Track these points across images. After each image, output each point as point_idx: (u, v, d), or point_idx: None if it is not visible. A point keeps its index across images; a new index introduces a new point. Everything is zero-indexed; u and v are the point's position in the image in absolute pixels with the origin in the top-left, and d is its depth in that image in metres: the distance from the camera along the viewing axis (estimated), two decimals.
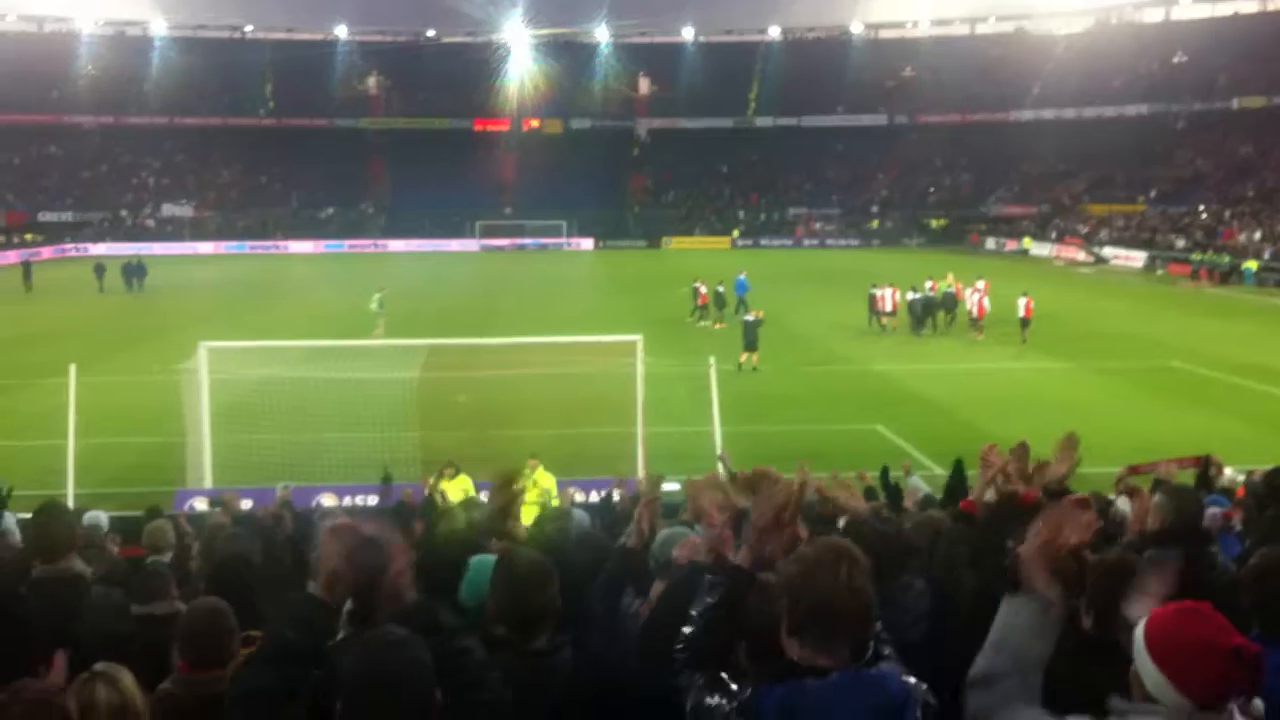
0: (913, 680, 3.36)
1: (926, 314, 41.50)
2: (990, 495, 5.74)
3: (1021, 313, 38.20)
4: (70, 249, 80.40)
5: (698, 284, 44.48)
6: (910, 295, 41.68)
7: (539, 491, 16.43)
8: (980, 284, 41.51)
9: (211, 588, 5.91)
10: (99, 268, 59.74)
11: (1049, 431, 22.64)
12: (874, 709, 3.26)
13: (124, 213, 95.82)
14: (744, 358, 32.96)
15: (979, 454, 6.01)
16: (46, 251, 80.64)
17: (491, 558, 5.35)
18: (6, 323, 44.94)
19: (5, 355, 36.10)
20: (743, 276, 44.76)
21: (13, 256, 74.51)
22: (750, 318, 34.35)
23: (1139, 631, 3.37)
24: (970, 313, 40.37)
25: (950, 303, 42.18)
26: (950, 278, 44.17)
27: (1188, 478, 12.88)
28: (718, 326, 41.54)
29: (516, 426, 23.91)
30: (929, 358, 35.84)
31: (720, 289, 43.66)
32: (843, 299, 43.00)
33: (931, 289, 43.04)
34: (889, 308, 41.52)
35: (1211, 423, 25.48)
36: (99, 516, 12.03)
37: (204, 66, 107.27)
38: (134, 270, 59.24)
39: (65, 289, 58.47)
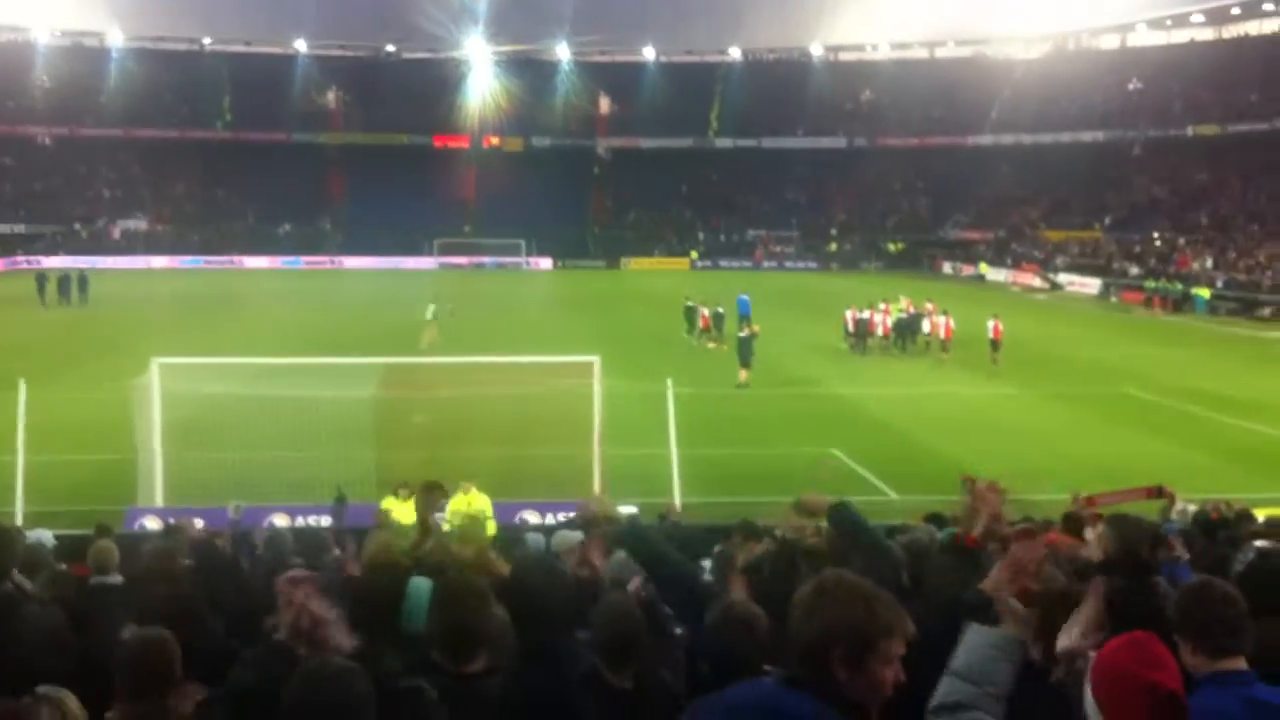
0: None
1: (904, 335, 42.52)
2: (978, 530, 5.82)
3: (990, 334, 38.77)
4: (21, 261, 79.47)
5: (691, 303, 45.21)
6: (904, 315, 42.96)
7: (471, 515, 16.17)
8: (929, 307, 42.75)
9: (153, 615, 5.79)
10: (40, 279, 59.41)
11: (1005, 456, 22.92)
12: None
13: (78, 225, 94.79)
14: (742, 375, 33.98)
15: (967, 485, 6.16)
16: (8, 263, 79.75)
17: (426, 582, 5.31)
18: None
19: None
20: (745, 296, 45.51)
21: None
22: (744, 333, 35.16)
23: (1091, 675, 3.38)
24: (937, 335, 41.07)
25: (915, 324, 42.82)
26: (904, 301, 44.64)
27: (1148, 508, 12.99)
28: (722, 347, 41.59)
29: (473, 446, 23.75)
30: (887, 381, 35.97)
31: (720, 310, 44.11)
32: (803, 321, 43.26)
33: (885, 312, 43.66)
34: (880, 330, 42.65)
35: (1165, 450, 25.76)
36: (43, 535, 11.84)
37: (161, 78, 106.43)
38: (69, 283, 59.02)
39: (8, 301, 57.67)
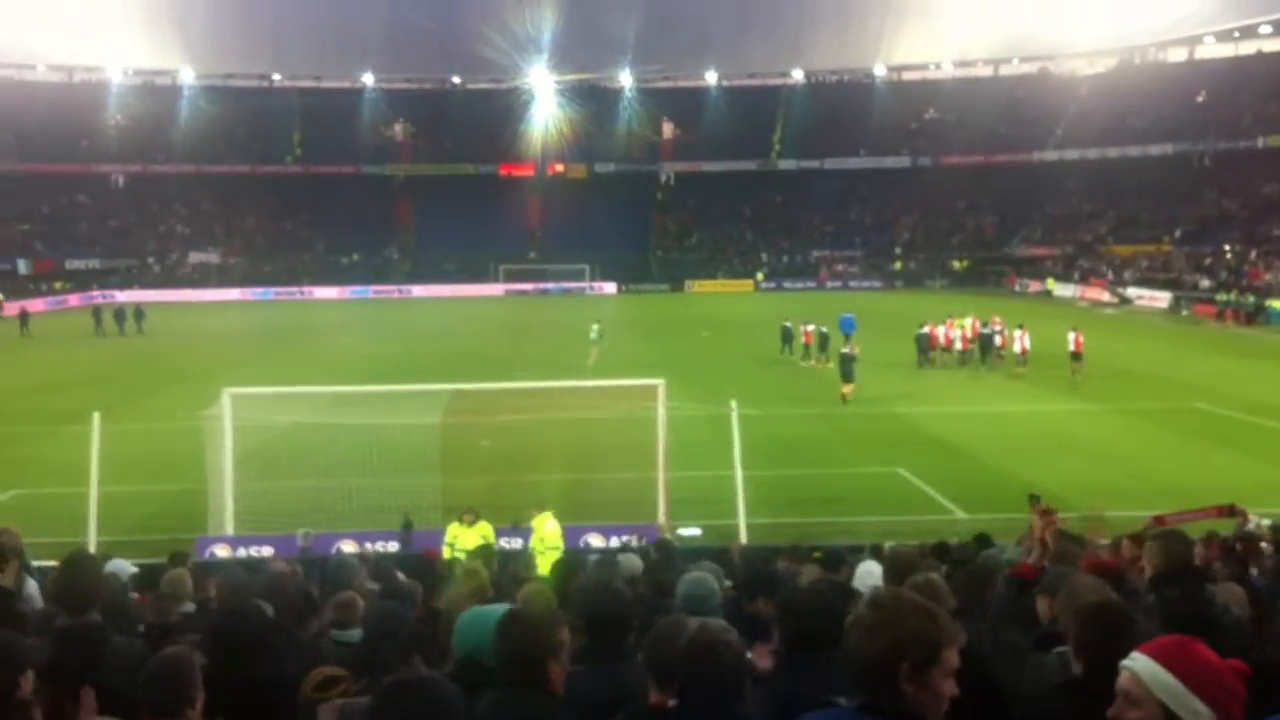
0: None
1: (986, 349, 42.79)
2: (1034, 559, 5.90)
3: (1071, 346, 38.90)
4: (97, 295, 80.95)
5: (788, 323, 45.96)
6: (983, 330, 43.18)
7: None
8: (996, 322, 43.29)
9: (215, 638, 5.91)
10: (96, 312, 61.90)
11: (1075, 475, 22.70)
12: None
13: (151, 260, 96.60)
14: (844, 389, 34.64)
15: (1033, 504, 6.25)
16: (74, 299, 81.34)
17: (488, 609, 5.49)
18: (30, 369, 45.38)
19: (26, 402, 36.41)
20: (849, 315, 46.55)
21: (40, 304, 75.29)
22: (847, 351, 35.76)
23: (1147, 665, 3.38)
24: (1011, 349, 41.38)
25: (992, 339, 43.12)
26: (970, 318, 44.51)
27: (1223, 527, 12.84)
28: (828, 365, 41.90)
29: (538, 472, 23.91)
30: (955, 399, 35.64)
31: (824, 330, 44.68)
32: (870, 339, 43.00)
33: (949, 326, 44.15)
34: (960, 345, 43.21)
35: (1238, 465, 25.32)
36: (121, 566, 12.06)
37: (232, 115, 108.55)
38: (124, 315, 60.63)
39: (78, 335, 59.16)
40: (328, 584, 10.15)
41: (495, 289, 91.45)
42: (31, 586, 7.90)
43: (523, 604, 6.63)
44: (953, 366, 42.78)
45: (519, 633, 4.66)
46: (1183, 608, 6.24)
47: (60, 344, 55.67)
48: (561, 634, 4.71)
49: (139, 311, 61.48)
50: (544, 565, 13.80)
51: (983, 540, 13.09)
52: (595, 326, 44.96)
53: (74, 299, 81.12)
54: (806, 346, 44.73)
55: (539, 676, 4.54)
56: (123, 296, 78.97)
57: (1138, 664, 3.40)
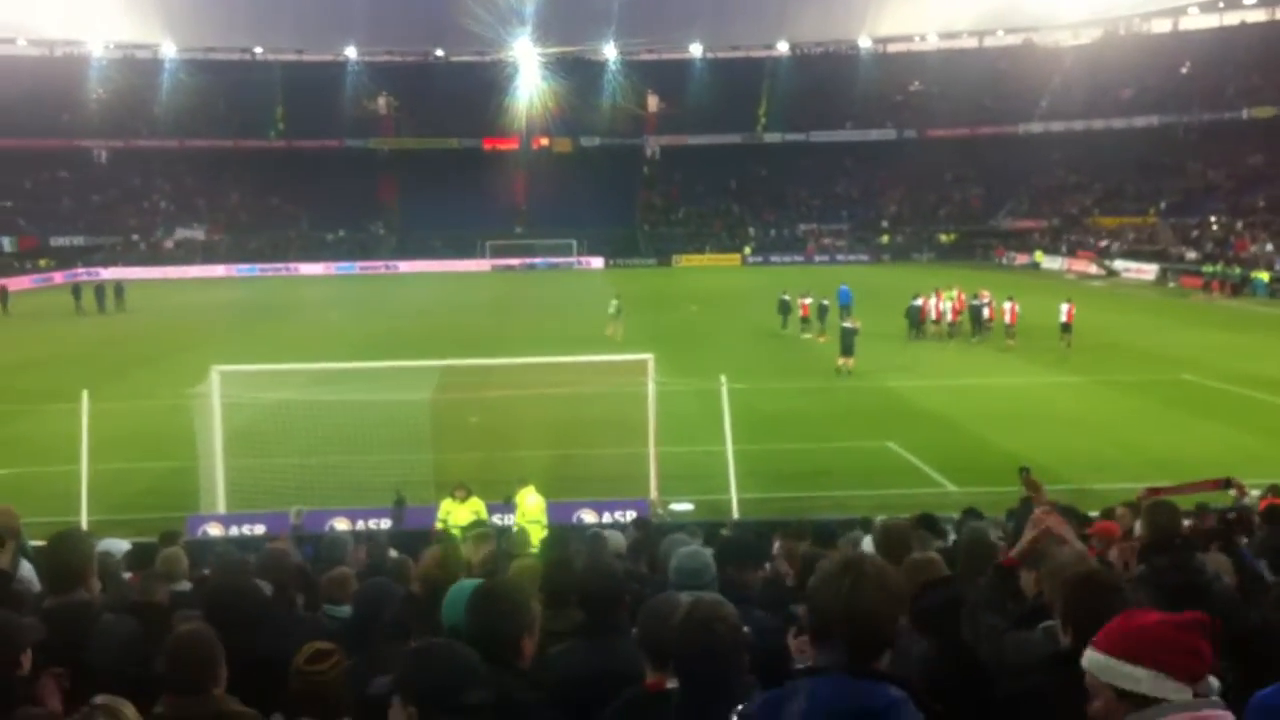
0: (900, 694, 3.34)
1: (976, 321, 43.21)
2: (1017, 551, 5.95)
3: (1064, 318, 39.49)
4: (82, 273, 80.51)
5: (786, 295, 46.33)
6: (972, 303, 43.71)
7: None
8: (984, 294, 43.79)
9: (209, 615, 5.91)
10: (75, 290, 61.91)
11: (1063, 447, 22.78)
12: (856, 712, 3.26)
13: (135, 236, 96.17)
14: (840, 362, 34.89)
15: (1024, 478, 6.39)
16: (58, 276, 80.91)
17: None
18: (12, 348, 45.16)
19: (9, 380, 36.26)
20: (845, 287, 46.56)
21: (25, 282, 74.91)
22: (849, 325, 35.77)
23: (1088, 654, 3.42)
24: (1001, 320, 41.72)
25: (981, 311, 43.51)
26: (956, 290, 44.74)
27: (1219, 500, 12.90)
28: (821, 339, 42.43)
29: (528, 447, 23.90)
30: (944, 372, 35.72)
31: (825, 302, 44.95)
32: (860, 314, 43.11)
33: (938, 297, 44.64)
34: (950, 317, 43.76)
35: (1225, 436, 25.43)
36: (115, 544, 12.01)
37: (214, 89, 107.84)
38: (104, 292, 60.53)
39: (60, 313, 58.92)
40: (320, 561, 10.17)
41: (482, 265, 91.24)
42: (26, 569, 7.86)
43: (507, 579, 6.62)
44: (943, 339, 42.96)
45: (492, 609, 4.64)
46: (1172, 576, 6.31)
47: (41, 322, 55.39)
48: (534, 609, 4.70)
49: (119, 288, 61.46)
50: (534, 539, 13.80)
51: (971, 513, 13.12)
52: (614, 302, 45.68)
53: (59, 276, 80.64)
54: (804, 319, 44.93)
55: (511, 653, 4.52)
56: (107, 274, 78.58)
57: (1085, 657, 3.44)
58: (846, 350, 34.99)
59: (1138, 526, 9.68)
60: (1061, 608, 4.61)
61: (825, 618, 3.41)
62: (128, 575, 9.83)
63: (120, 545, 11.81)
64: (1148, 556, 6.91)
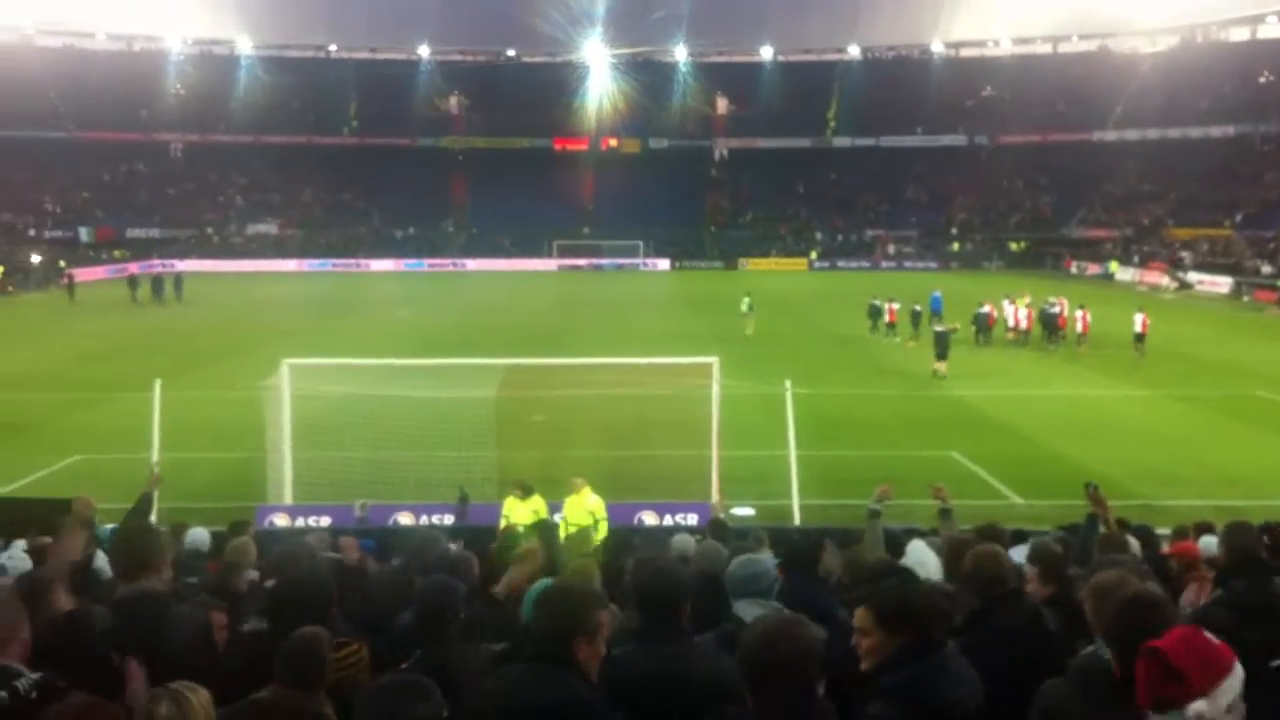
0: None
1: (1049, 329, 43.05)
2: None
3: (1138, 328, 39.52)
4: (157, 264, 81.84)
5: (876, 301, 46.62)
6: (1043, 308, 43.67)
7: (585, 513, 16.33)
8: (1058, 302, 43.82)
9: (277, 609, 6.01)
10: (132, 280, 63.37)
11: (1133, 461, 22.41)
12: None
13: (209, 230, 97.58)
14: (936, 365, 35.15)
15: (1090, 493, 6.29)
16: (133, 267, 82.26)
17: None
18: (82, 337, 46.02)
19: (84, 369, 36.99)
20: (938, 294, 46.90)
21: (100, 272, 76.21)
22: (941, 329, 36.03)
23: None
24: (1074, 329, 41.79)
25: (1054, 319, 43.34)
26: (1026, 297, 44.51)
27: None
28: (911, 344, 42.43)
29: (591, 447, 23.97)
30: (1011, 382, 35.31)
31: (917, 308, 44.92)
32: (926, 320, 43.00)
33: (1013, 304, 44.66)
34: (1025, 324, 43.60)
35: None
36: (201, 536, 12.20)
37: (289, 86, 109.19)
38: (161, 283, 62.25)
39: (117, 303, 60.11)
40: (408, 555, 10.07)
41: (549, 264, 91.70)
42: (101, 559, 8.03)
43: (567, 579, 6.65)
44: (1016, 345, 42.81)
45: (554, 608, 4.68)
46: (1248, 597, 6.21)
47: (106, 312, 56.46)
48: (599, 616, 4.69)
49: (178, 280, 63.08)
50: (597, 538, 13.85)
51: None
52: (745, 299, 47.85)
53: (133, 267, 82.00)
54: (891, 325, 45.22)
55: (568, 653, 4.53)
56: (181, 266, 79.92)
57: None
58: (941, 354, 35.24)
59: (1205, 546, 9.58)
60: (1108, 629, 4.53)
61: None
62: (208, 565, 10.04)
63: (204, 535, 12.03)
64: (1225, 579, 6.81)
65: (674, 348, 33.99)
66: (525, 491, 16.69)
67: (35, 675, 4.62)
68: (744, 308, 47.48)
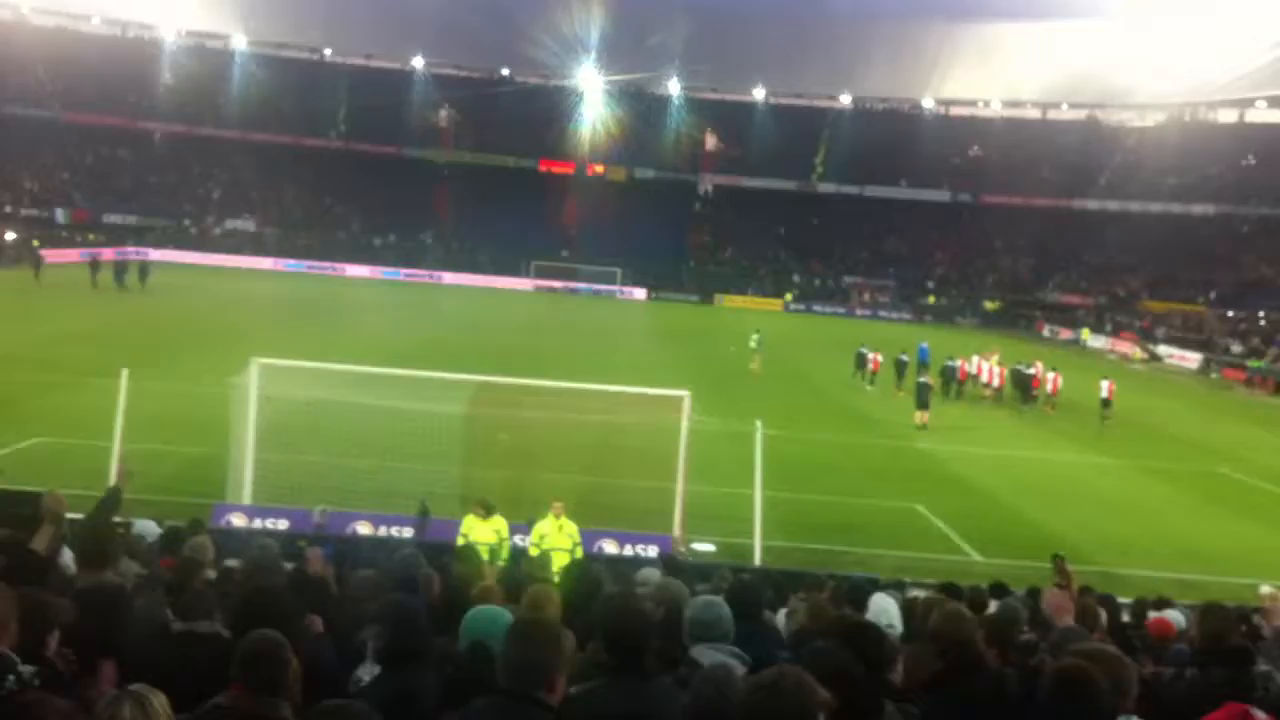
0: None
1: (1020, 388, 43.38)
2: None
3: (1104, 394, 40.14)
4: (131, 252, 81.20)
5: (864, 349, 46.68)
6: (1016, 368, 44.14)
7: (565, 536, 16.24)
8: (1038, 364, 44.22)
9: (241, 615, 5.88)
10: (93, 266, 62.68)
11: (1093, 528, 22.50)
12: None
13: (187, 221, 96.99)
14: (917, 416, 35.70)
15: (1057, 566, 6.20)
16: (107, 252, 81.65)
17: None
18: (56, 318, 45.65)
19: (53, 350, 36.61)
20: (925, 345, 48.00)
21: (73, 254, 75.59)
22: (924, 380, 37.19)
23: None
24: (1045, 389, 42.83)
25: (1027, 379, 43.64)
26: (996, 354, 44.92)
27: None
28: (900, 393, 42.31)
29: (557, 471, 23.80)
30: (980, 440, 35.41)
31: (904, 357, 45.13)
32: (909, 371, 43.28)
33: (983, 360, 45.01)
34: (996, 382, 43.83)
35: (1259, 534, 25.12)
36: (149, 526, 12.03)
37: (280, 85, 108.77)
38: (123, 269, 62.11)
39: (102, 289, 59.66)
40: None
41: (525, 283, 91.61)
42: (67, 555, 7.86)
43: (532, 608, 6.53)
44: (987, 402, 43.19)
45: (534, 640, 4.58)
46: (1228, 692, 6.08)
47: (70, 294, 56.02)
48: (569, 645, 4.63)
49: (143, 269, 62.99)
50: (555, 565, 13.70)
51: (998, 589, 12.82)
52: (755, 336, 48.29)
53: (107, 253, 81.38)
54: (874, 374, 45.38)
55: (545, 687, 4.44)
56: (155, 255, 79.47)
57: None
58: (922, 405, 35.79)
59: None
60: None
61: None
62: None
63: (152, 528, 11.84)
64: (1203, 663, 6.72)
65: (648, 378, 33.93)
66: (487, 510, 16.56)
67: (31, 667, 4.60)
68: (753, 344, 47.86)
